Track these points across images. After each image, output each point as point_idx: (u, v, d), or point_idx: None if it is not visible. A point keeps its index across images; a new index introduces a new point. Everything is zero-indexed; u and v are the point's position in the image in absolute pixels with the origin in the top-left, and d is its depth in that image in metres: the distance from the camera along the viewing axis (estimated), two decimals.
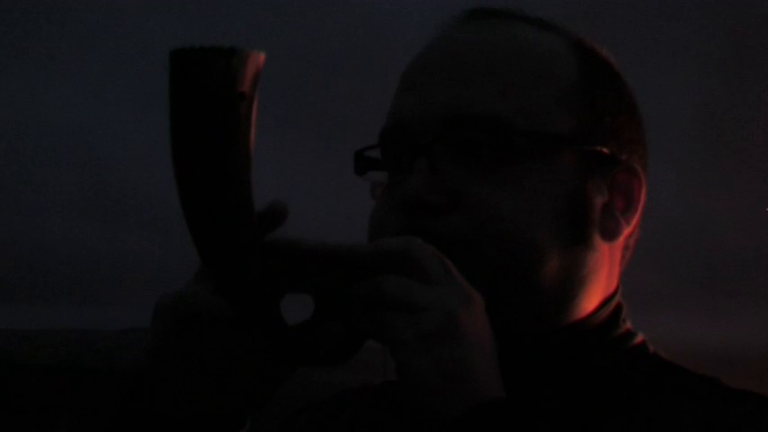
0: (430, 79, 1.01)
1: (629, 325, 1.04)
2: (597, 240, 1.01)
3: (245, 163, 0.80)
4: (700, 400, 0.96)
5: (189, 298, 0.88)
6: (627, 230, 1.03)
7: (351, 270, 0.87)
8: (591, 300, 1.01)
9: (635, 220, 1.03)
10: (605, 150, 1.01)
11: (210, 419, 0.91)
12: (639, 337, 1.04)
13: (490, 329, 0.88)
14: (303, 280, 0.88)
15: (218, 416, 0.91)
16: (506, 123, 0.98)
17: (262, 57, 0.79)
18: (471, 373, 0.84)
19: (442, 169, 0.98)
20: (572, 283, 1.00)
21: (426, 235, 0.92)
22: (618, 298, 1.04)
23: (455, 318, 0.85)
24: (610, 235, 1.02)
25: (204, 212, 0.81)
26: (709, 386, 0.99)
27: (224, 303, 0.87)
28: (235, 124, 0.78)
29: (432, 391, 0.84)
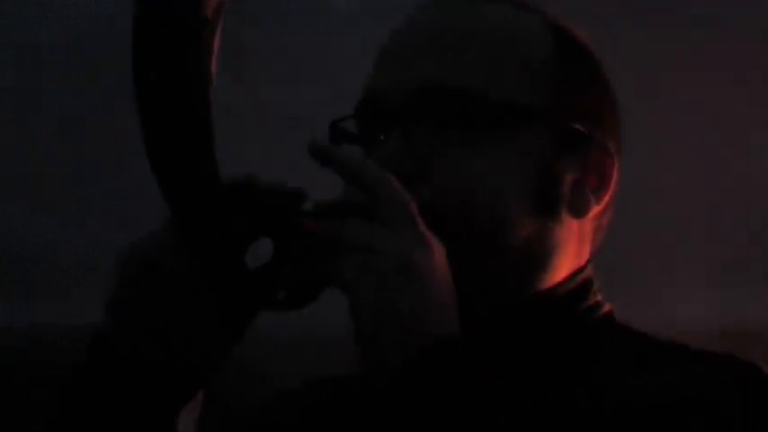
0: (401, 54, 1.04)
1: (599, 298, 1.06)
2: (565, 215, 1.03)
3: (206, 91, 0.82)
4: (660, 365, 0.97)
5: (151, 243, 0.90)
6: (597, 208, 1.05)
7: (311, 212, 0.89)
8: (557, 273, 1.03)
9: (606, 199, 1.05)
10: (578, 127, 1.03)
11: (173, 372, 0.92)
12: (606, 308, 1.06)
13: (449, 278, 0.90)
14: (262, 220, 0.89)
15: (179, 367, 0.92)
16: (477, 95, 1.00)
17: None
18: (426, 316, 0.86)
19: (414, 139, 1.00)
20: (538, 255, 1.02)
21: None
22: (587, 273, 1.06)
23: (412, 261, 0.87)
24: (579, 211, 1.04)
25: (164, 140, 0.83)
26: (674, 352, 1.00)
27: (186, 252, 0.89)
28: (196, 50, 0.80)
29: (379, 334, 0.86)
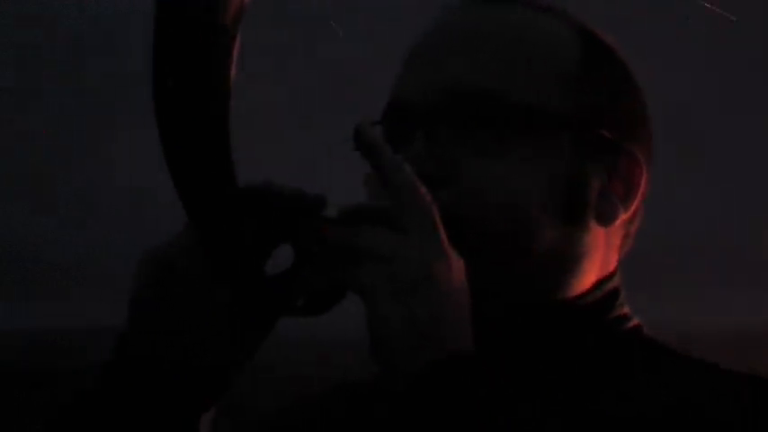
0: (430, 57, 1.02)
1: (626, 309, 1.04)
2: (592, 223, 1.01)
3: (224, 98, 0.81)
4: (684, 381, 0.96)
5: (171, 246, 0.90)
6: (624, 216, 1.03)
7: (331, 219, 0.88)
8: (583, 280, 1.01)
9: (634, 207, 1.04)
10: (606, 134, 1.01)
11: (195, 373, 0.92)
12: (634, 321, 1.04)
13: (466, 291, 0.89)
14: (282, 226, 0.89)
15: (203, 370, 0.92)
16: (504, 99, 0.98)
17: None
18: (442, 326, 0.85)
19: (440, 143, 0.99)
20: (563, 261, 1.00)
21: None
22: (614, 283, 1.04)
23: (430, 270, 0.86)
24: (605, 219, 1.02)
25: (182, 146, 0.82)
26: (699, 368, 0.99)
27: (202, 253, 0.88)
28: (215, 57, 0.80)
29: (400, 342, 0.84)
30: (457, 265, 0.89)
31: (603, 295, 1.03)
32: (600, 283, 1.03)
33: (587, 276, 1.02)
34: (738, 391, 0.94)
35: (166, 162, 0.83)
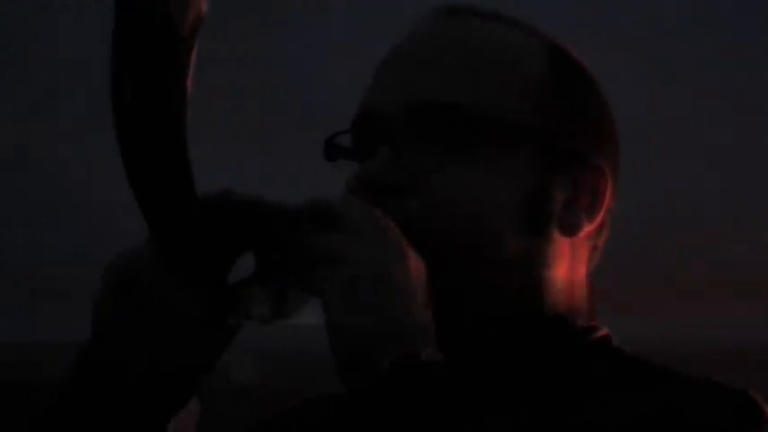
0: (394, 70, 1.04)
1: (594, 321, 1.05)
2: (556, 234, 1.02)
3: (182, 111, 0.82)
4: (653, 389, 0.96)
5: (132, 257, 0.91)
6: (589, 227, 1.04)
7: (290, 226, 0.89)
8: (548, 292, 1.02)
9: (599, 219, 1.04)
10: (571, 147, 1.02)
11: (160, 380, 0.92)
12: (603, 331, 1.04)
13: (426, 289, 0.89)
14: (242, 236, 0.90)
15: (167, 377, 0.92)
16: (469, 111, 0.99)
17: (204, 5, 0.81)
18: (400, 326, 0.85)
19: (406, 154, 1.00)
20: (526, 272, 1.01)
21: (386, 211, 0.94)
22: (580, 293, 1.05)
23: (384, 270, 0.86)
24: (570, 230, 1.02)
25: (143, 163, 0.83)
26: (666, 376, 0.99)
27: (163, 262, 0.89)
28: (171, 68, 0.81)
29: (357, 343, 0.85)
30: (416, 265, 0.89)
31: (568, 306, 1.03)
32: (564, 295, 1.03)
33: (551, 288, 1.02)
34: (706, 397, 0.94)
35: (126, 174, 0.84)
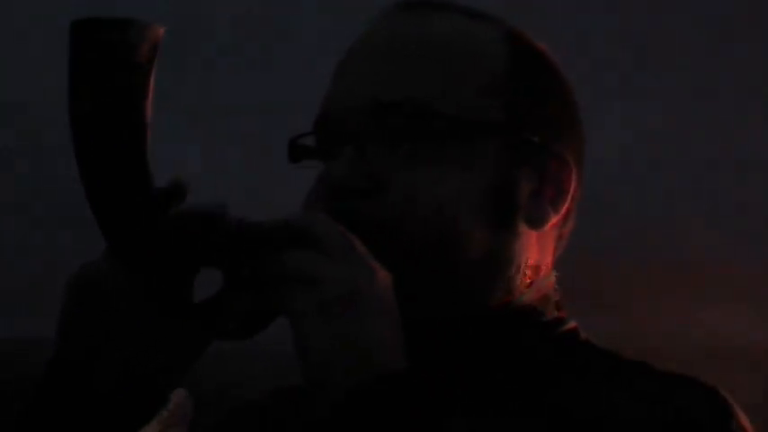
0: (355, 68, 1.03)
1: (563, 312, 1.04)
2: (522, 227, 1.02)
3: (141, 133, 0.82)
4: (623, 380, 0.96)
5: (92, 272, 0.90)
6: (555, 218, 1.03)
7: (258, 244, 0.88)
8: (515, 285, 1.02)
9: (564, 209, 1.04)
10: (534, 139, 1.02)
11: (129, 392, 0.91)
12: (571, 324, 1.04)
13: (395, 305, 0.88)
14: (210, 253, 0.89)
15: (135, 391, 0.92)
16: (428, 109, 0.99)
17: (161, 30, 0.81)
18: (370, 344, 0.85)
19: (368, 155, 0.99)
20: (495, 267, 1.00)
21: (348, 216, 0.94)
22: (548, 283, 1.05)
23: (353, 289, 0.85)
24: (536, 222, 1.02)
25: (100, 182, 0.83)
26: (636, 369, 0.99)
27: (126, 278, 0.88)
28: (129, 93, 0.81)
29: (327, 363, 0.84)
30: (383, 280, 0.89)
31: (537, 297, 1.03)
32: (532, 285, 1.03)
33: (519, 281, 1.02)
34: (678, 390, 0.94)
35: (86, 195, 0.84)
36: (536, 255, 1.03)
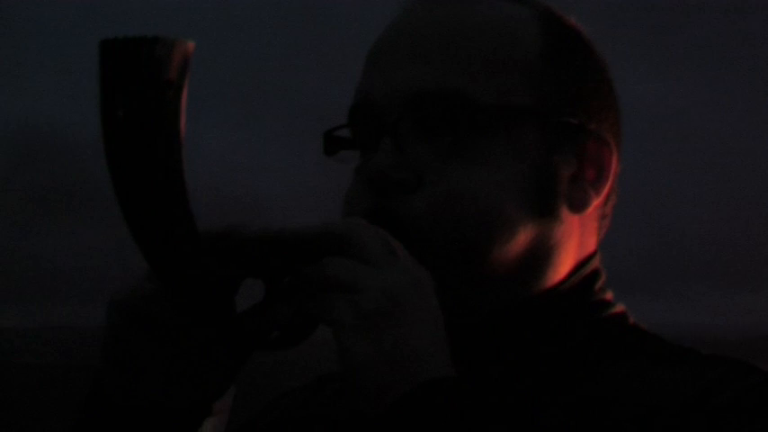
0: (392, 57, 1.00)
1: (609, 295, 1.03)
2: (565, 212, 1.00)
3: (176, 150, 0.81)
4: (674, 366, 0.94)
5: (136, 293, 0.89)
6: (596, 201, 1.02)
7: (298, 253, 0.87)
8: (560, 270, 1.00)
9: (606, 190, 1.02)
10: (572, 121, 1.00)
11: (172, 410, 0.91)
12: (619, 308, 1.02)
13: (438, 311, 0.87)
14: (250, 265, 0.88)
15: (179, 406, 0.91)
16: (467, 99, 0.97)
17: (191, 45, 0.80)
18: (413, 354, 0.83)
19: (407, 147, 0.97)
20: (538, 256, 0.99)
21: (391, 215, 0.94)
22: (592, 266, 1.03)
23: (395, 298, 0.84)
24: (578, 206, 1.01)
25: (136, 203, 0.82)
26: (686, 354, 0.98)
27: (169, 298, 0.87)
28: (162, 111, 0.79)
29: (370, 374, 0.83)
30: (426, 286, 0.87)
31: (581, 280, 1.01)
32: (577, 269, 1.02)
33: (564, 266, 1.01)
34: (729, 374, 0.92)
35: (121, 211, 0.82)
36: (578, 238, 1.02)
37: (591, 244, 1.04)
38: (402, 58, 0.99)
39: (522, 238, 0.97)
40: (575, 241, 1.01)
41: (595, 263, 1.03)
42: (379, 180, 0.96)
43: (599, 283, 1.02)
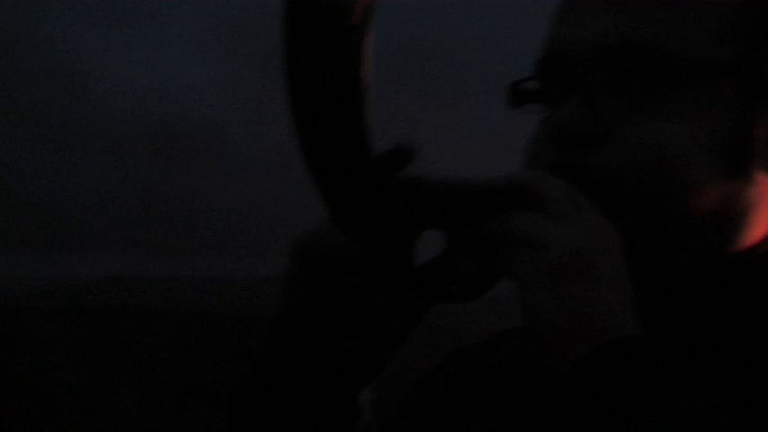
0: (584, 7, 0.97)
1: None
2: (759, 174, 0.95)
3: (359, 96, 0.80)
4: None
5: (317, 241, 0.89)
6: None
7: (481, 205, 0.86)
8: (751, 235, 0.96)
9: None
10: None
11: (348, 360, 0.92)
12: None
13: (624, 267, 0.85)
14: (432, 216, 0.87)
15: (356, 357, 0.92)
16: (663, 51, 0.93)
17: None
18: (599, 310, 0.81)
19: (596, 100, 0.94)
20: (729, 216, 0.95)
21: (576, 169, 0.91)
22: None
23: (581, 254, 0.82)
24: None
25: (319, 149, 0.81)
26: None
27: (350, 246, 0.86)
28: (346, 56, 0.78)
29: (556, 330, 0.81)
30: (612, 242, 0.85)
31: None
32: None
33: (757, 229, 0.96)
34: None
35: (305, 163, 0.82)
36: None
37: None
38: (592, 10, 0.96)
39: (711, 196, 0.93)
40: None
41: None
42: (565, 133, 0.93)
43: None
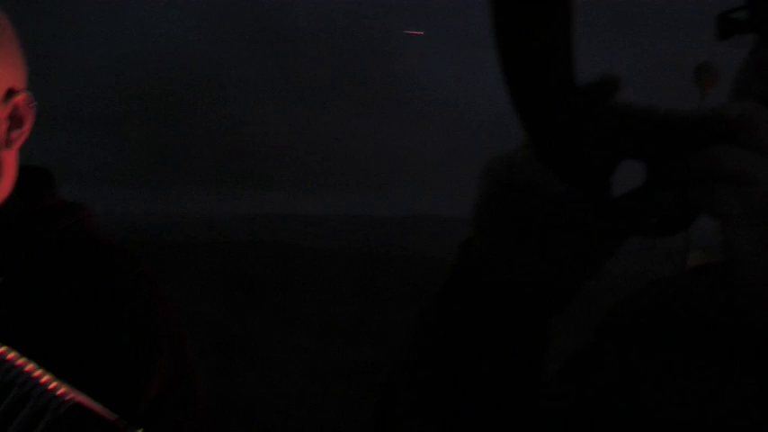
0: None
1: None
2: None
3: (566, 24, 0.77)
4: None
5: (514, 161, 0.87)
6: None
7: (685, 137, 0.82)
8: None
9: None
10: None
11: (541, 287, 0.90)
12: None
13: None
14: (633, 146, 0.84)
15: (549, 284, 0.90)
16: None
17: None
18: None
19: None
20: None
21: None
22: None
23: None
24: None
25: (524, 75, 0.78)
26: None
27: (548, 167, 0.84)
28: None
29: (758, 272, 0.78)
30: None
31: None
32: None
33: None
34: None
35: (509, 92, 0.80)
36: None
37: None
38: None
39: None
40: None
41: None
42: None
43: None
